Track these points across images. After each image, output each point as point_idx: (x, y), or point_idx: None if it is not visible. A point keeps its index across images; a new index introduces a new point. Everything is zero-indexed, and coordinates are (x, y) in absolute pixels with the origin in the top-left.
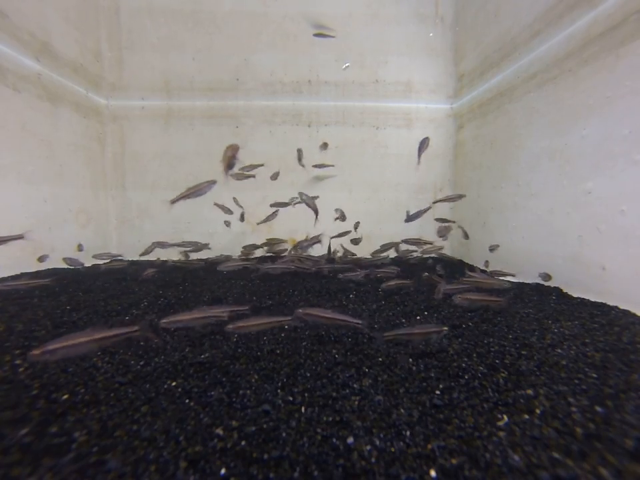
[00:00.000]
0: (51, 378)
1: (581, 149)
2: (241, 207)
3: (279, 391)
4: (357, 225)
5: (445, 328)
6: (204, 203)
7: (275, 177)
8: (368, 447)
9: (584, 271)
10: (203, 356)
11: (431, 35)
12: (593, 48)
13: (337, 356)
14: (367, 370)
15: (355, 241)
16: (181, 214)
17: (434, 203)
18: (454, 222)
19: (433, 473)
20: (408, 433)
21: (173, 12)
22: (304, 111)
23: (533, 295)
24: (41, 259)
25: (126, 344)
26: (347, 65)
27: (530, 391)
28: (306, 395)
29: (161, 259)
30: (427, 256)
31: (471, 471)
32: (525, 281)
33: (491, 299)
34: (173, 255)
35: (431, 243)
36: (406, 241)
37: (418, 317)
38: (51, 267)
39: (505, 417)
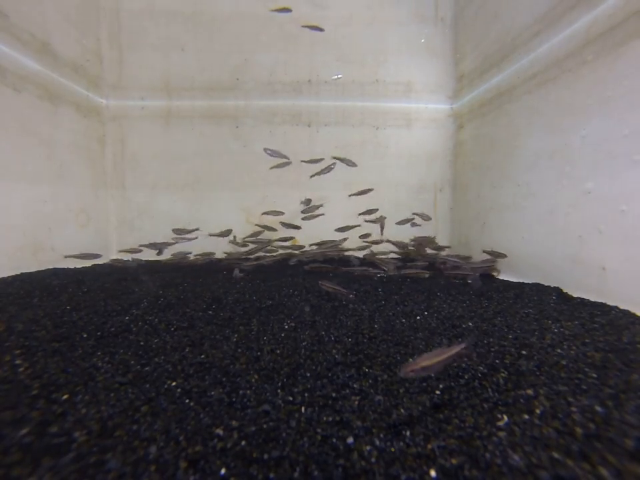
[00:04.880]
0: (50, 378)
1: (581, 149)
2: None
3: (278, 390)
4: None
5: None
6: (203, 203)
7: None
8: (368, 447)
9: (584, 270)
10: (202, 356)
11: (429, 35)
12: (593, 48)
13: (337, 356)
14: (367, 370)
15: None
16: (181, 214)
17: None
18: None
19: (432, 473)
20: (408, 433)
21: (173, 12)
22: (304, 110)
23: (533, 295)
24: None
25: (127, 344)
26: (339, 76)
27: (530, 391)
28: (306, 394)
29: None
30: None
31: (470, 471)
32: (525, 281)
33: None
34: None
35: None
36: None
37: (418, 317)
38: (50, 267)
39: (505, 417)
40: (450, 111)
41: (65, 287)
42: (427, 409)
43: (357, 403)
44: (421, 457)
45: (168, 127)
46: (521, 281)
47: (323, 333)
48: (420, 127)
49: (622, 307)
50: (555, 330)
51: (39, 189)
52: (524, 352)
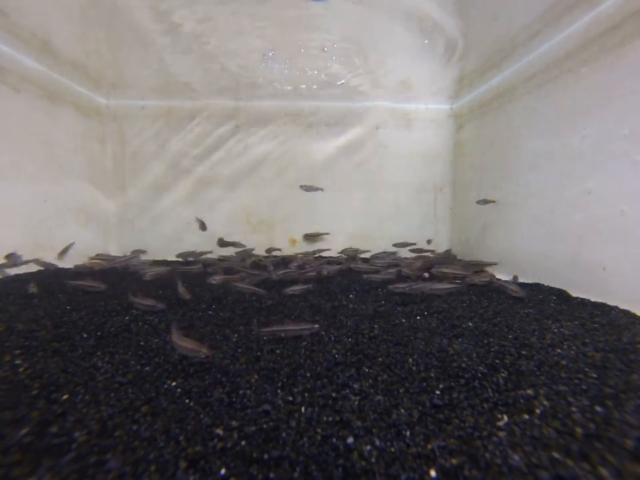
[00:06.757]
0: (51, 378)
1: (581, 149)
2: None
3: (278, 390)
4: None
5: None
6: (203, 203)
7: None
8: (368, 447)
9: (584, 270)
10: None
11: (430, 37)
12: (593, 48)
13: (336, 356)
14: (367, 370)
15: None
16: (181, 214)
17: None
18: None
19: (432, 473)
20: (408, 433)
21: (173, 12)
22: (304, 110)
23: (533, 294)
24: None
25: (127, 344)
26: (342, 81)
27: (530, 391)
28: (306, 394)
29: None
30: None
31: (470, 471)
32: (525, 281)
33: None
34: None
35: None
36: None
37: (418, 317)
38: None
39: (505, 417)
40: (450, 111)
41: (64, 286)
42: (426, 409)
43: (356, 402)
44: (420, 456)
45: (168, 126)
46: (521, 280)
47: (323, 332)
48: (420, 127)
49: (622, 306)
50: (555, 330)
51: (39, 189)
52: (524, 352)
